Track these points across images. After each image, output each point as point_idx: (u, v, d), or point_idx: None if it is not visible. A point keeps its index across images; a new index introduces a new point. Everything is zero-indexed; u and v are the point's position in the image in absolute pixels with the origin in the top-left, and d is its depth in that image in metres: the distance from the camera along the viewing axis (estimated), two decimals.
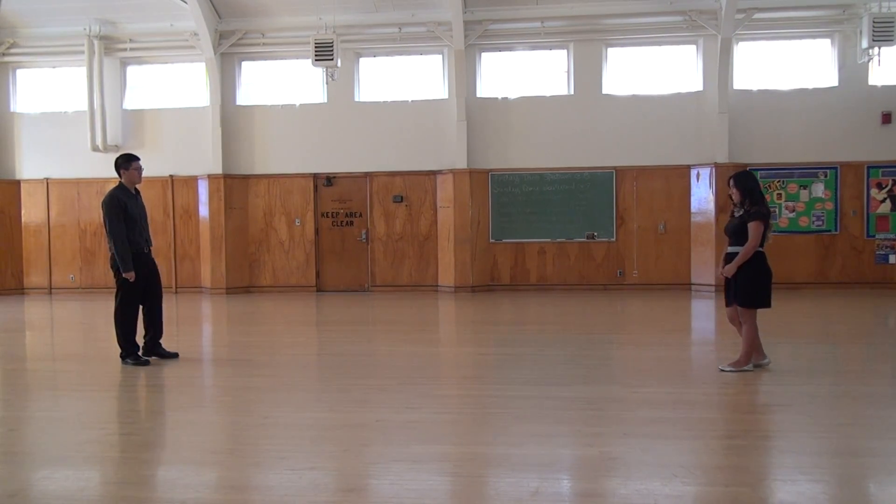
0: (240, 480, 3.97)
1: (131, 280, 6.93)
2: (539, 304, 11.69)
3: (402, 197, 13.64)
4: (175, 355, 7.26)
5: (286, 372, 6.76)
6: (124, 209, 6.91)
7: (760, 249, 6.11)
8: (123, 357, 7.04)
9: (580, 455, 4.30)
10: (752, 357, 6.27)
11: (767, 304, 6.17)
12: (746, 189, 6.18)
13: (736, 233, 6.21)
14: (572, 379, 6.18)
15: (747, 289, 6.14)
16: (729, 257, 6.26)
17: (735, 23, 12.47)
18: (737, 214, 6.30)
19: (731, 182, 6.29)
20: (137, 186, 7.22)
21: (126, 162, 7.13)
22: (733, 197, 6.29)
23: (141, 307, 7.17)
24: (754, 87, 13.03)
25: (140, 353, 7.07)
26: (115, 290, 7.12)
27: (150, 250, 7.24)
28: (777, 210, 12.85)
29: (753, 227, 6.05)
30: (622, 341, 8.45)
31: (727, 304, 6.39)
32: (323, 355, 7.94)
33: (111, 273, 7.12)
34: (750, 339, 6.22)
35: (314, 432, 4.78)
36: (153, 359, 7.13)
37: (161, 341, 7.29)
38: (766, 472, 3.90)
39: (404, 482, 3.85)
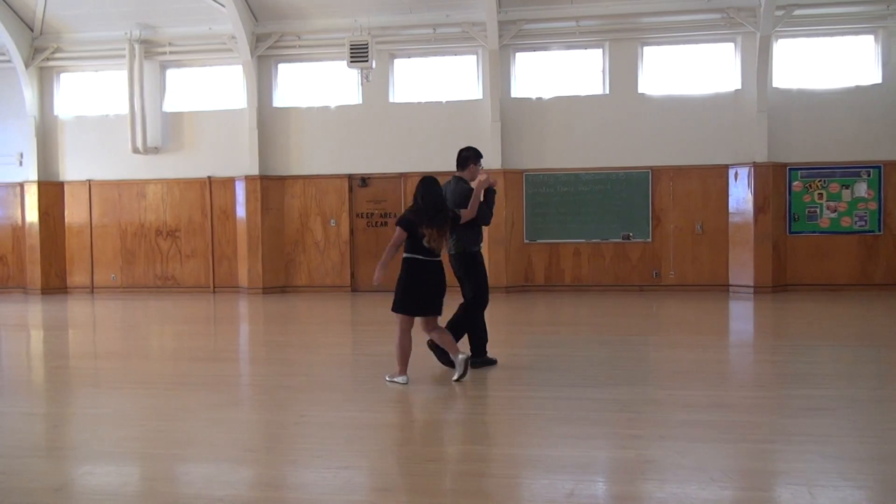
0: (276, 478, 4.01)
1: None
2: (574, 305, 11.61)
3: None
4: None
5: (321, 371, 6.82)
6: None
7: (417, 257, 5.93)
8: (472, 359, 6.60)
9: (616, 457, 4.27)
10: (399, 369, 6.08)
11: (409, 312, 6.03)
12: (415, 194, 5.99)
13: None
14: (607, 380, 6.13)
15: (396, 292, 6.01)
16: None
17: (774, 20, 12.25)
18: None
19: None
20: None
21: (476, 157, 6.72)
22: None
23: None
24: (794, 86, 12.78)
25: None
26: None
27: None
28: (818, 210, 12.61)
29: (397, 230, 5.94)
30: (658, 343, 8.35)
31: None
32: (358, 355, 7.99)
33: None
34: (397, 345, 6.09)
35: (349, 431, 4.81)
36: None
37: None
38: (808, 477, 3.82)
39: (438, 482, 3.86)
